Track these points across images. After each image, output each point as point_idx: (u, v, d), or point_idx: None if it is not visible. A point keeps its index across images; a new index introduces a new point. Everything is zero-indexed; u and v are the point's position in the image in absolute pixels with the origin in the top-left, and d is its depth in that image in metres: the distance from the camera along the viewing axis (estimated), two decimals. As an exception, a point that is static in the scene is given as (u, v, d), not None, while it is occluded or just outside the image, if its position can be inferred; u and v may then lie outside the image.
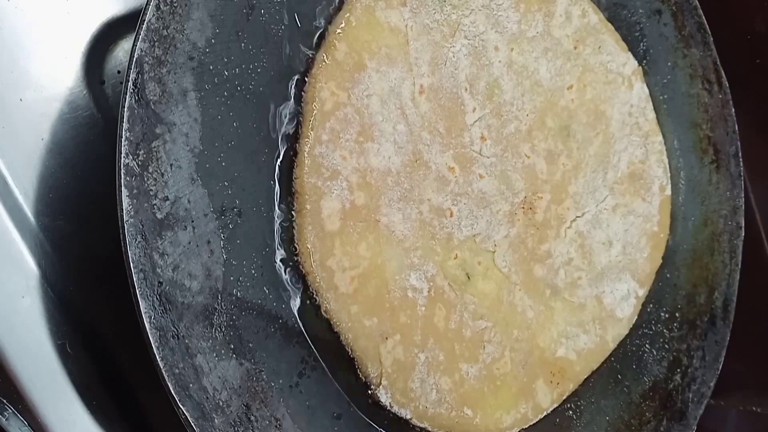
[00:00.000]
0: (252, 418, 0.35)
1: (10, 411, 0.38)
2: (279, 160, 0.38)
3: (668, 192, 0.49)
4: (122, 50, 0.45)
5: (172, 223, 0.34)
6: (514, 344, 0.43)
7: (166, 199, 0.34)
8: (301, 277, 0.38)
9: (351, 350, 0.39)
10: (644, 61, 0.48)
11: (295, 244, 0.38)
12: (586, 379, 0.46)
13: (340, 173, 0.39)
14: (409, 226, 0.41)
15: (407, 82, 0.41)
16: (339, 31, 0.39)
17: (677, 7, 0.50)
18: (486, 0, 0.44)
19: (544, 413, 0.44)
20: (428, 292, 0.41)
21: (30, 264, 0.39)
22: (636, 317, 0.48)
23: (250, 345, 0.36)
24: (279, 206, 0.38)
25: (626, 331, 0.47)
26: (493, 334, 0.43)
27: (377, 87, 0.40)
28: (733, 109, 0.51)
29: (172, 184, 0.34)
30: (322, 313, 0.38)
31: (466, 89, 0.43)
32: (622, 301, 0.47)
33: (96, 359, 0.41)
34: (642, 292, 0.48)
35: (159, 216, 0.33)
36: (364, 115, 0.40)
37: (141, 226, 0.33)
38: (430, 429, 0.41)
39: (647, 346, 0.48)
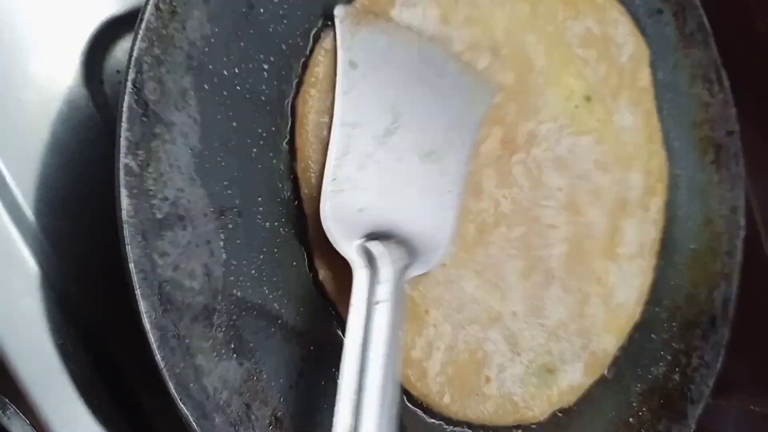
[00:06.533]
0: (252, 417, 0.35)
1: (12, 409, 0.38)
2: (279, 160, 0.38)
3: None
4: (121, 50, 0.45)
5: (172, 223, 0.34)
6: None
7: (166, 199, 0.34)
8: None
9: None
10: (645, 61, 0.48)
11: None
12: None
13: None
14: None
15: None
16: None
17: (678, 7, 0.50)
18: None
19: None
20: None
21: (30, 264, 0.39)
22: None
23: (251, 345, 0.36)
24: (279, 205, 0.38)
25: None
26: None
27: None
28: (734, 109, 0.50)
29: (172, 184, 0.34)
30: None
31: None
32: None
33: (96, 359, 0.41)
34: None
35: (159, 216, 0.33)
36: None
37: (141, 226, 0.33)
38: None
39: (646, 345, 0.48)
